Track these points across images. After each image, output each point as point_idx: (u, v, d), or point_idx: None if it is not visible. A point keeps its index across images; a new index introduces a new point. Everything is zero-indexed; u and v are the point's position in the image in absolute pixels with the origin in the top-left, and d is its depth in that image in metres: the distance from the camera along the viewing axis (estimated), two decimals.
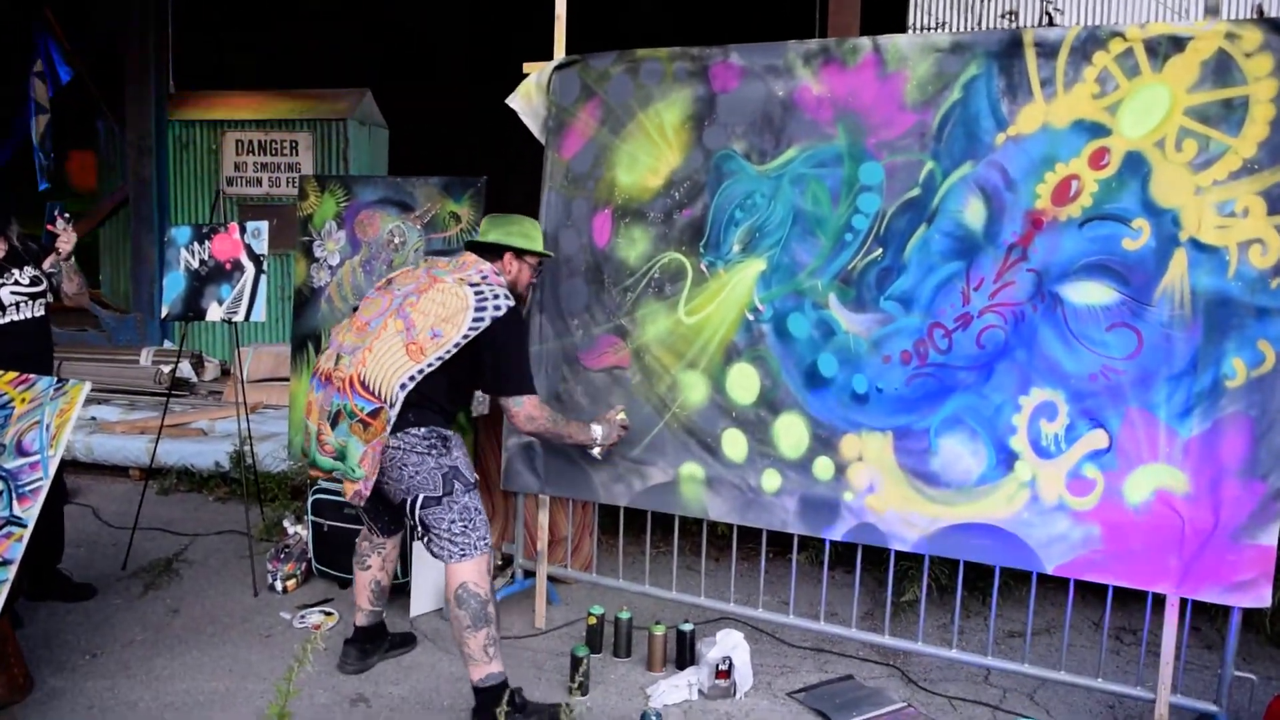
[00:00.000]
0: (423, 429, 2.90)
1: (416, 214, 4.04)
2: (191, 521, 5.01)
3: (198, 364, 7.76)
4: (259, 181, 8.45)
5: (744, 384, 3.31)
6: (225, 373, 7.93)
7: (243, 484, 5.06)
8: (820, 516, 3.21)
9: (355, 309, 3.19)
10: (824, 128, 3.11)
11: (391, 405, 2.82)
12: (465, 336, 2.88)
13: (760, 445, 3.29)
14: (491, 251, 3.12)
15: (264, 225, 4.30)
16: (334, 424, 2.87)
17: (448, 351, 2.86)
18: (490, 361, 2.94)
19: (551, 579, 4.01)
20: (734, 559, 3.75)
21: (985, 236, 2.89)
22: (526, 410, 3.01)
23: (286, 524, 4.36)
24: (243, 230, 4.31)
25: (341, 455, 2.87)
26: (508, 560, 4.12)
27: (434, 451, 2.93)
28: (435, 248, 3.96)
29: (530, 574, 3.98)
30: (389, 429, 2.83)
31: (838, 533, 3.19)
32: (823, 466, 3.19)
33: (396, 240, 4.07)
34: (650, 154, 3.45)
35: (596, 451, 3.37)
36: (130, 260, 8.78)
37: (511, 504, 4.13)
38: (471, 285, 2.94)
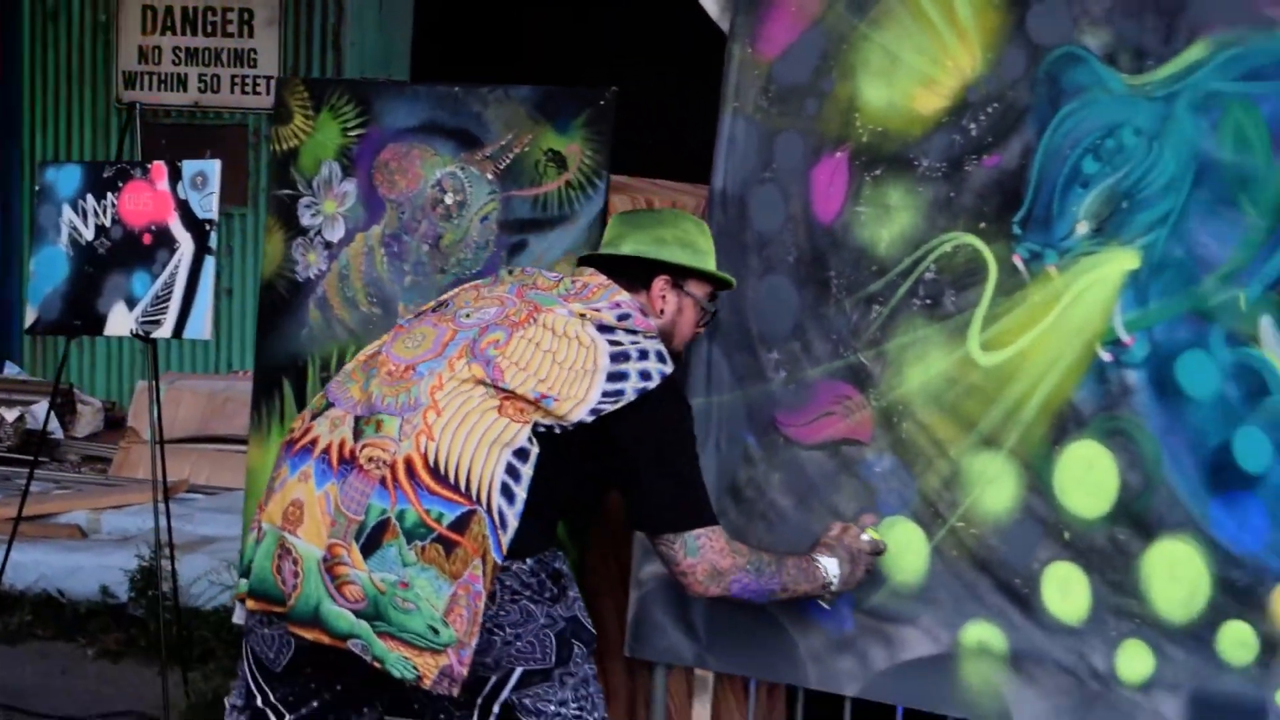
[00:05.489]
0: (529, 560, 3.06)
1: (488, 153, 4.11)
2: (59, 695, 5.04)
3: (65, 407, 7.91)
4: (182, 81, 8.64)
5: (1089, 481, 3.34)
6: (114, 423, 8.16)
7: (154, 629, 5.05)
8: None
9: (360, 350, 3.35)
10: (1263, 3, 3.15)
11: (488, 508, 2.93)
12: (593, 413, 3.00)
13: (1117, 596, 3.30)
14: (630, 273, 3.31)
15: (214, 167, 4.43)
16: (372, 546, 2.95)
17: (562, 428, 3.02)
18: (632, 473, 3.11)
19: None
20: None
21: None
22: (708, 560, 3.12)
23: (231, 704, 4.37)
24: (175, 176, 4.37)
25: (379, 607, 2.95)
26: None
27: (545, 597, 3.08)
28: (521, 216, 4.03)
29: None
30: (495, 550, 2.94)
31: None
32: (1238, 641, 3.16)
33: (450, 199, 4.15)
34: (925, 51, 3.55)
35: (827, 602, 3.51)
36: None
37: (642, 683, 4.15)
38: (603, 328, 3.09)
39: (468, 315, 3.17)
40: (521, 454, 2.95)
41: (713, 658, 3.75)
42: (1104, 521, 3.30)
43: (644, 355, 3.09)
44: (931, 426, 3.51)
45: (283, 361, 4.38)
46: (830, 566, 3.33)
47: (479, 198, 4.11)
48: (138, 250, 4.46)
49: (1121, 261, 3.28)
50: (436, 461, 2.94)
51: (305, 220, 4.35)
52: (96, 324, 4.57)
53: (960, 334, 3.47)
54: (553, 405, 2.98)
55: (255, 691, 3.18)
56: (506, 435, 2.96)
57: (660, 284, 3.32)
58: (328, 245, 4.31)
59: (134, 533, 6.43)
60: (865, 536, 3.46)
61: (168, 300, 4.41)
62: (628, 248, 3.34)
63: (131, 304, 4.48)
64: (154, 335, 4.46)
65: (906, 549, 3.51)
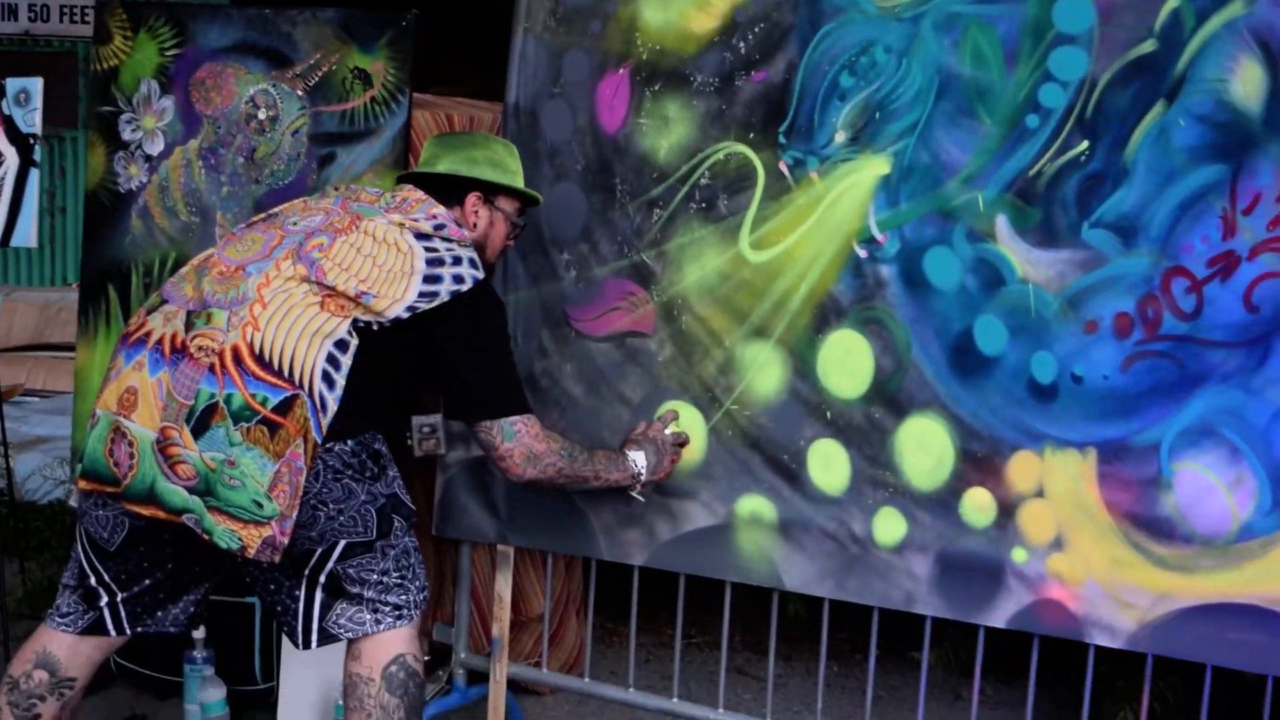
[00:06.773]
0: (350, 441, 3.11)
1: (297, 71, 4.18)
2: None
3: None
4: (13, 11, 8.66)
5: (848, 365, 3.48)
6: None
7: None
8: (971, 589, 3.34)
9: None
10: None
11: (309, 393, 3.02)
12: (410, 310, 3.10)
13: (872, 468, 3.46)
14: (445, 189, 3.41)
15: (36, 84, 4.42)
16: (201, 428, 3.01)
17: (380, 325, 3.11)
18: (450, 367, 3.23)
19: (514, 685, 4.10)
20: (823, 658, 3.74)
21: (1266, 124, 3.00)
22: (524, 444, 3.25)
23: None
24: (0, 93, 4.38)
25: (209, 483, 3.00)
26: (440, 654, 4.21)
27: (366, 476, 3.15)
28: (329, 130, 4.08)
29: (479, 677, 4.07)
30: (316, 431, 3.02)
31: (1000, 616, 3.32)
32: (977, 505, 3.34)
33: (262, 114, 4.21)
34: None
35: (638, 492, 3.56)
36: None
37: (449, 561, 4.25)
38: (420, 236, 3.19)
39: (295, 223, 3.23)
40: (341, 345, 3.03)
41: (513, 534, 3.88)
42: (861, 401, 3.44)
43: (458, 261, 3.18)
44: (707, 319, 3.62)
45: (107, 268, 4.41)
46: (638, 459, 3.48)
47: (290, 113, 4.18)
48: None
49: (875, 167, 3.40)
50: (262, 350, 3.00)
51: (126, 135, 4.39)
52: None
53: (733, 234, 3.58)
54: (371, 301, 3.05)
55: (88, 571, 3.21)
56: (328, 327, 3.04)
57: (472, 200, 3.41)
58: (148, 158, 4.36)
59: None
60: (669, 431, 3.58)
61: None
62: (443, 166, 3.42)
63: None
64: None
65: (687, 431, 3.63)
